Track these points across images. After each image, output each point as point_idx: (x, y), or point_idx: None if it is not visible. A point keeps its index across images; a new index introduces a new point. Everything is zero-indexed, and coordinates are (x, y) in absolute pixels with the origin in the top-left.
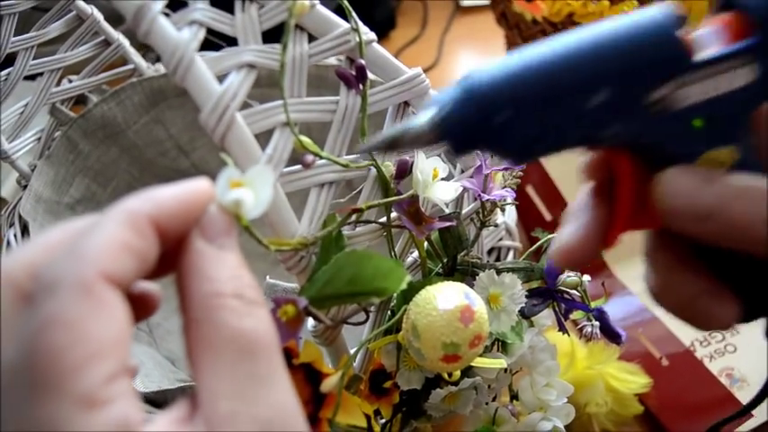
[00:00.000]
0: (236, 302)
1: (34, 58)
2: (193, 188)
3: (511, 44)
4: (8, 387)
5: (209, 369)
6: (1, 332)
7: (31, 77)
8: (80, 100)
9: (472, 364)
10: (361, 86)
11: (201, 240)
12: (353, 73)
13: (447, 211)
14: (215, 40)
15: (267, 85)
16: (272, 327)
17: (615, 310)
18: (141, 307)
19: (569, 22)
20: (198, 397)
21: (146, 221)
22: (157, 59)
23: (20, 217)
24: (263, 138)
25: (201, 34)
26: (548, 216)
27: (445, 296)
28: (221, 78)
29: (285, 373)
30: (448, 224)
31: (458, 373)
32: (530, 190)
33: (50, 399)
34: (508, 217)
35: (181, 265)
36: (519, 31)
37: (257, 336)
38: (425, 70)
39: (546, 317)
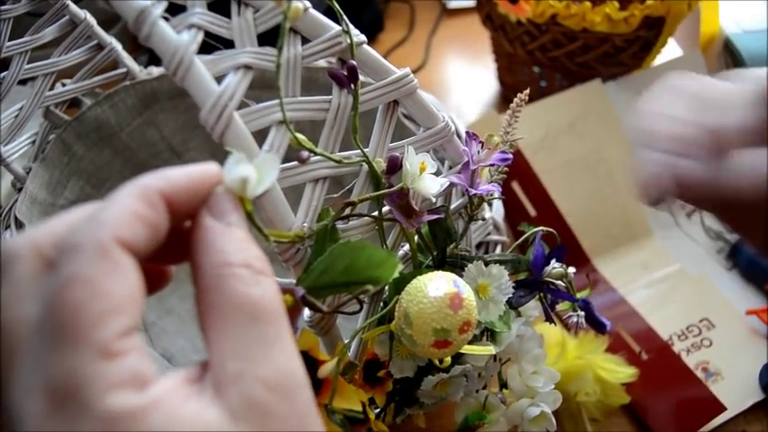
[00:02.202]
0: (244, 271)
1: (28, 63)
2: (203, 169)
3: (496, 45)
4: (31, 340)
5: (219, 333)
6: (25, 292)
7: (24, 82)
8: (74, 103)
9: (462, 351)
10: (352, 86)
11: (210, 217)
12: (345, 73)
13: (436, 204)
14: (212, 43)
15: (259, 87)
16: (278, 296)
17: (596, 304)
18: (155, 279)
19: (553, 23)
20: (207, 360)
21: (157, 195)
22: (149, 63)
23: (15, 219)
24: (258, 137)
25: (200, 37)
26: (532, 211)
27: (435, 284)
28: (219, 79)
29: (291, 340)
30: (436, 217)
31: (448, 360)
32: (515, 185)
33: (70, 348)
34: (495, 212)
35: (191, 242)
36: (504, 32)
37: (265, 303)
38: (413, 71)
39: (533, 308)
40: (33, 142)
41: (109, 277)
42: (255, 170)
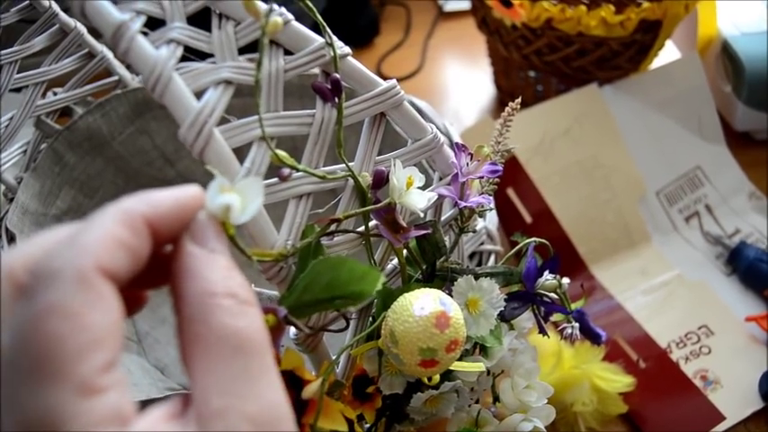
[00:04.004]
0: (229, 301)
1: (18, 72)
2: (185, 193)
3: (492, 50)
4: (3, 373)
5: (202, 366)
6: None
7: (16, 90)
8: (65, 112)
9: (451, 368)
10: (336, 99)
11: (192, 244)
12: (329, 87)
13: (426, 218)
14: (191, 57)
15: (249, 95)
16: (263, 326)
17: (593, 311)
18: (130, 303)
19: (548, 27)
20: (190, 394)
21: (140, 220)
22: None
23: (6, 230)
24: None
25: (179, 52)
26: (528, 218)
27: (421, 303)
28: (199, 94)
29: (276, 372)
30: (423, 232)
31: (437, 378)
32: (510, 192)
33: (49, 385)
34: (489, 221)
35: (173, 269)
36: (499, 36)
37: (249, 334)
38: (410, 75)
39: (527, 319)
40: (24, 152)
41: (90, 308)
42: (239, 196)
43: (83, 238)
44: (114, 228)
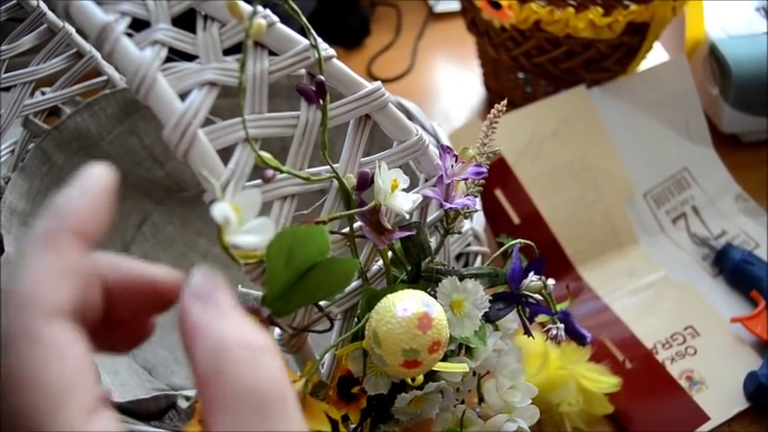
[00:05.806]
0: (243, 352)
1: (6, 71)
2: (89, 182)
3: (482, 51)
4: None
5: (222, 426)
6: None
7: (4, 89)
8: (53, 112)
9: (435, 368)
10: (321, 101)
11: (195, 302)
12: (313, 89)
13: (412, 219)
14: (175, 58)
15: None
16: (283, 370)
17: (580, 312)
18: (135, 332)
19: (536, 29)
20: None
21: (62, 236)
22: None
23: None
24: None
25: (164, 53)
26: (516, 219)
27: (404, 304)
28: (184, 96)
29: (299, 417)
30: (407, 234)
31: (421, 378)
32: (498, 193)
33: None
34: (476, 222)
35: (182, 329)
36: (489, 38)
37: (268, 386)
38: (400, 76)
39: (513, 320)
40: (12, 152)
41: (49, 361)
42: (237, 209)
43: (19, 288)
44: (41, 261)
